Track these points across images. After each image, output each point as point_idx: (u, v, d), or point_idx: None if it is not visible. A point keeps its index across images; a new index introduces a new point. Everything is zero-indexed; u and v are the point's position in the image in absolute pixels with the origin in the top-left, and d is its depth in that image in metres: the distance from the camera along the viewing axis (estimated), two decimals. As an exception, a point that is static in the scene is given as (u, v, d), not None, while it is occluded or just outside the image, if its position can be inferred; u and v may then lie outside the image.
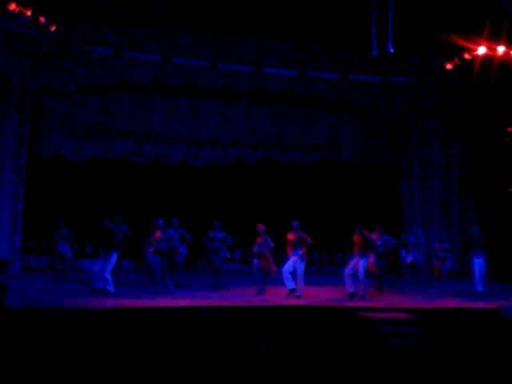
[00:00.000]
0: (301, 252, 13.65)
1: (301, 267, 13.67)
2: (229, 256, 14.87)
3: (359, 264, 13.76)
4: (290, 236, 13.84)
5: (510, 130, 18.27)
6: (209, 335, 10.63)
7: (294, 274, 13.68)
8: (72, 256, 16.41)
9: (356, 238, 13.98)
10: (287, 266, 13.65)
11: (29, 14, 13.61)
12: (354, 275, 13.84)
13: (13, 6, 13.27)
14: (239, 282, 16.14)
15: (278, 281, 14.12)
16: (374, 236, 14.45)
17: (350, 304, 12.70)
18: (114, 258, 13.50)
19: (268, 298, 13.46)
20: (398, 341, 10.54)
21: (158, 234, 14.37)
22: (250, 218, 17.17)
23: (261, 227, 14.14)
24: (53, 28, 14.30)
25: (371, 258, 14.11)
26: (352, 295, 13.67)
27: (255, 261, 14.01)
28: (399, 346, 10.41)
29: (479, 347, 10.33)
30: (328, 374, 9.11)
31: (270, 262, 13.91)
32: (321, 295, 14.02)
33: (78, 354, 9.48)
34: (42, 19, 14.01)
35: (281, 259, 15.16)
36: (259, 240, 14.00)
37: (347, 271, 13.92)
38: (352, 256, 14.22)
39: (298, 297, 13.41)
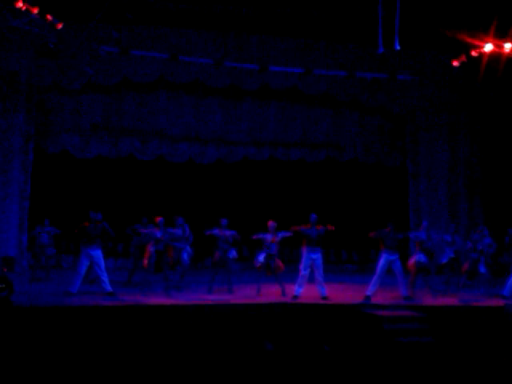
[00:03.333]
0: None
1: (321, 266, 13.12)
2: (237, 256, 14.43)
3: (396, 264, 13.08)
4: (310, 232, 13.22)
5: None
6: (217, 332, 10.65)
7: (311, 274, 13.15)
8: (57, 253, 16.33)
9: (386, 236, 13.18)
10: (305, 268, 13.09)
11: (36, 11, 13.62)
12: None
13: (20, 4, 13.28)
14: (249, 280, 15.76)
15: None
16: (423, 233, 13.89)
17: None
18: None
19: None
20: (404, 338, 10.54)
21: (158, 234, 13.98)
22: (256, 215, 17.16)
23: (272, 223, 13.60)
24: (60, 26, 14.30)
25: (417, 257, 13.62)
26: (367, 298, 12.83)
27: (262, 257, 13.47)
28: (405, 343, 10.41)
29: (485, 344, 10.32)
30: (333, 371, 9.11)
31: (277, 260, 13.66)
32: (341, 296, 13.53)
33: (85, 351, 9.51)
34: (49, 17, 14.02)
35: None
36: (274, 239, 13.48)
37: (378, 272, 13.04)
38: (380, 255, 13.31)
39: (326, 298, 12.90)
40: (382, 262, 13.11)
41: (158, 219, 13.93)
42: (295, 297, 12.89)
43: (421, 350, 10.31)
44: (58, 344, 9.72)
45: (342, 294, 13.97)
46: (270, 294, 13.42)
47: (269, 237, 13.52)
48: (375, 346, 10.49)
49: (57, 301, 11.93)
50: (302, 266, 13.13)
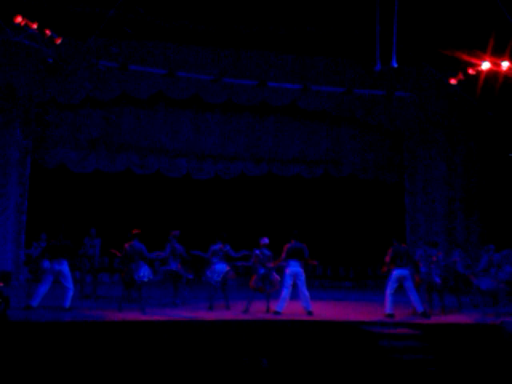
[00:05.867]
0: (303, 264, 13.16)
1: (304, 279, 12.91)
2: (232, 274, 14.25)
3: (407, 281, 12.91)
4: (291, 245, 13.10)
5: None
6: (212, 349, 10.61)
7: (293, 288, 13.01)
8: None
9: (395, 252, 13.00)
10: (288, 282, 12.93)
11: (35, 26, 13.67)
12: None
13: (19, 19, 13.33)
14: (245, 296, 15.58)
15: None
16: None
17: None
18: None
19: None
20: (399, 355, 10.50)
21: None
22: (253, 231, 17.12)
23: (265, 240, 13.47)
24: (58, 41, 14.36)
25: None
26: (390, 316, 12.66)
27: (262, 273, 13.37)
28: (401, 360, 10.37)
29: (482, 362, 10.29)
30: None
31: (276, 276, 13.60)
32: (338, 313, 13.31)
33: (81, 367, 9.48)
34: (48, 32, 14.07)
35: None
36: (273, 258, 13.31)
37: (389, 290, 12.94)
38: (390, 272, 13.08)
39: (310, 313, 12.73)
40: (391, 278, 13.04)
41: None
42: (277, 312, 12.79)
43: (419, 367, 10.27)
44: (54, 359, 9.68)
45: (338, 310, 13.92)
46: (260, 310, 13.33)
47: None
48: (371, 363, 10.46)
49: (53, 316, 11.88)
50: (284, 281, 13.11)
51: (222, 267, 13.66)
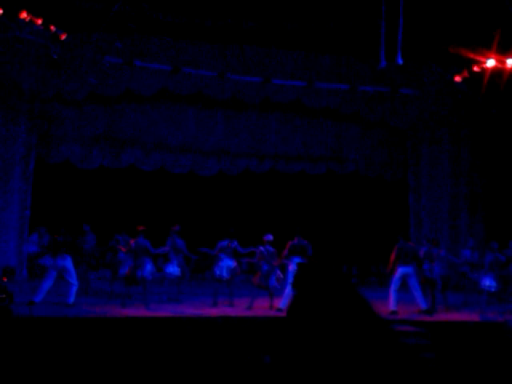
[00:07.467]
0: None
1: None
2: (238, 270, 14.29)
3: (411, 279, 13.03)
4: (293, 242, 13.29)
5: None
6: (216, 345, 10.61)
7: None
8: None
9: (400, 250, 13.12)
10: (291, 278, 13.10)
11: (39, 22, 13.69)
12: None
13: (24, 15, 13.36)
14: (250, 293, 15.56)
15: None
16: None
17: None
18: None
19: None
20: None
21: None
22: (257, 228, 17.12)
23: (269, 237, 13.58)
24: (63, 37, 14.37)
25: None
26: (393, 313, 12.71)
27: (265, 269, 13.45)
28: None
29: (485, 360, 10.28)
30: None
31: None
32: None
33: (85, 362, 9.49)
34: (53, 28, 14.08)
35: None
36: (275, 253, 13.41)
37: (394, 287, 13.05)
38: (395, 269, 13.18)
39: None
40: (396, 275, 13.06)
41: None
42: (280, 309, 12.82)
43: (420, 365, 10.26)
44: (58, 355, 9.69)
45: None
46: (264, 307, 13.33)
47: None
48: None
49: (57, 311, 11.90)
50: (287, 277, 13.12)
51: (229, 264, 13.70)
